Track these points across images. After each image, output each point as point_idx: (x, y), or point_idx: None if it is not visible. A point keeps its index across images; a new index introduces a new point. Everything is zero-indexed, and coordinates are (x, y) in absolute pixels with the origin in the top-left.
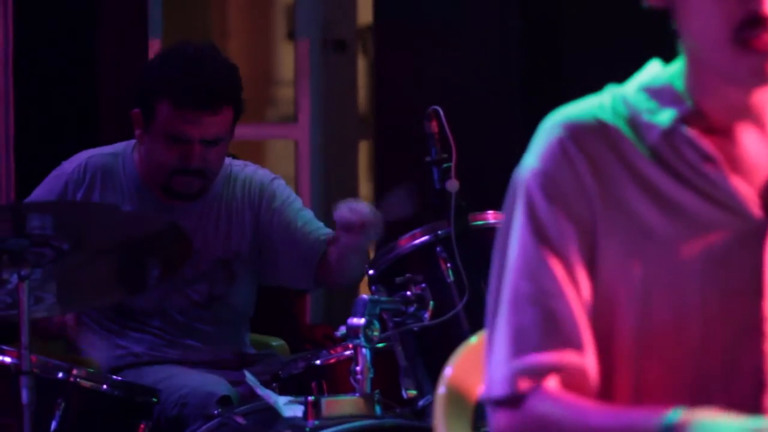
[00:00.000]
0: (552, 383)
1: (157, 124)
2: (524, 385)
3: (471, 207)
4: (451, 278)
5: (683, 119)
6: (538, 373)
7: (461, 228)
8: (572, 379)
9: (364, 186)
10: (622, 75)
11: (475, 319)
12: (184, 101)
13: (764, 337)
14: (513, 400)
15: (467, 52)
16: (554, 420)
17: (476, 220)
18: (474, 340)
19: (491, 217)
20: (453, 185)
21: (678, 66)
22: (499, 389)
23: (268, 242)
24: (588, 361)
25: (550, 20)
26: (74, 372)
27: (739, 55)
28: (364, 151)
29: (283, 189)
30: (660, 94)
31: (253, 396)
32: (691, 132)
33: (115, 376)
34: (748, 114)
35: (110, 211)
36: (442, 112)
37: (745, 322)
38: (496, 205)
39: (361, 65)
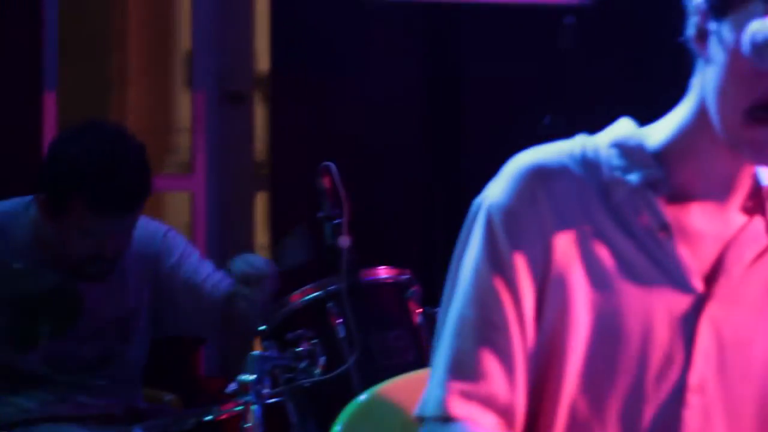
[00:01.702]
0: (480, 414)
1: (69, 219)
2: (454, 410)
3: (364, 262)
4: (342, 334)
5: (649, 183)
6: (468, 402)
7: (352, 284)
8: (501, 415)
9: (261, 238)
10: (522, 130)
11: (366, 375)
12: (102, 205)
13: (685, 406)
14: (443, 421)
15: (367, 103)
16: None
17: (368, 276)
18: (363, 397)
19: (383, 273)
20: (344, 241)
21: (655, 126)
22: (431, 409)
23: (168, 297)
24: (520, 399)
25: (452, 73)
26: None
27: (750, 128)
28: (261, 203)
29: (178, 241)
30: (631, 154)
31: None
32: (653, 197)
33: None
34: (719, 187)
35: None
36: (334, 168)
37: (670, 388)
38: (392, 261)
39: (261, 116)
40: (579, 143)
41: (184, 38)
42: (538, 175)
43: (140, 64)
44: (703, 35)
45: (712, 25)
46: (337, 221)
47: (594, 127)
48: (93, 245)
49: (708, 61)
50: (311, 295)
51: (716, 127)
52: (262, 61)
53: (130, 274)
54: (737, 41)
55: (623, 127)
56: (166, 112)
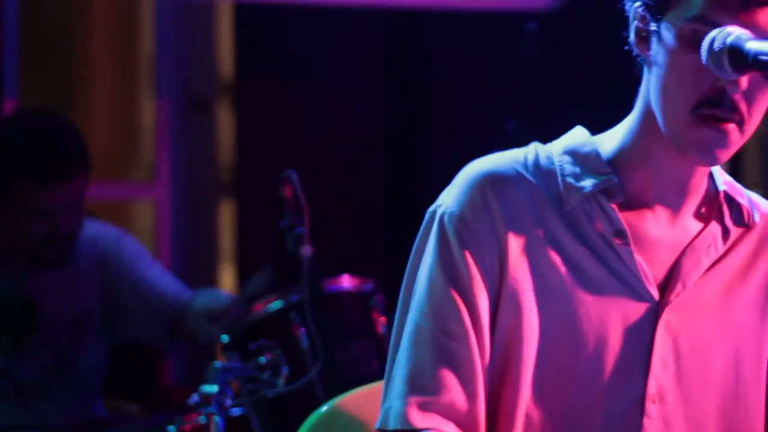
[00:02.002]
0: (441, 425)
1: (16, 203)
2: (416, 422)
3: (327, 272)
4: (305, 344)
5: (603, 190)
6: (429, 414)
7: (315, 293)
8: (462, 425)
9: (226, 245)
10: (484, 136)
11: (329, 386)
12: (45, 175)
13: (645, 415)
14: None
15: (330, 110)
16: None
17: (330, 286)
18: (325, 408)
19: (346, 282)
20: (306, 251)
21: (608, 134)
22: (393, 422)
23: (119, 301)
24: (479, 408)
25: (414, 80)
26: None
27: (693, 128)
28: (226, 210)
29: (131, 246)
30: (585, 161)
31: None
32: (607, 204)
33: None
34: (673, 192)
35: None
36: (295, 177)
37: (628, 397)
38: (354, 270)
39: (226, 122)
40: (532, 150)
41: (148, 45)
42: (491, 182)
43: (104, 72)
44: (644, 38)
45: (652, 27)
46: (298, 230)
47: (556, 133)
48: (46, 225)
49: (651, 63)
50: (274, 305)
51: (663, 130)
52: (226, 68)
53: (82, 277)
54: (677, 38)
55: (577, 135)
56: (131, 120)
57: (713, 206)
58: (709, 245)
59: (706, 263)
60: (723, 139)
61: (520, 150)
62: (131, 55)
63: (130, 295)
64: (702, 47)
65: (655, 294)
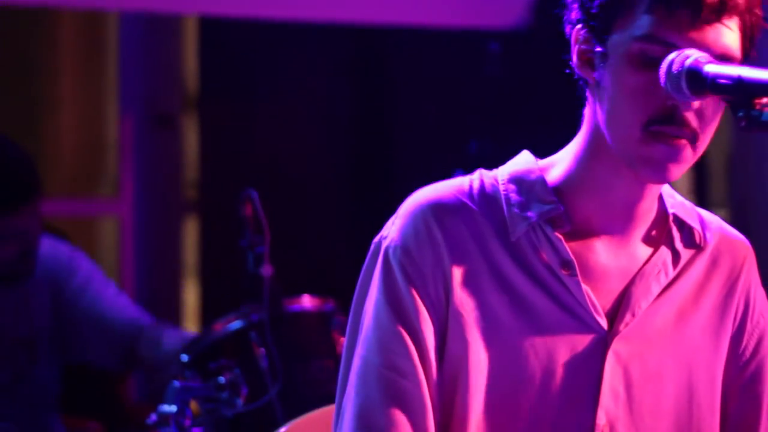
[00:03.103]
0: None
1: None
2: None
3: (287, 291)
4: (265, 364)
5: (549, 220)
6: None
7: (275, 313)
8: None
9: (190, 263)
10: (450, 158)
11: (289, 406)
12: (4, 203)
13: None
14: None
15: (295, 127)
16: None
17: (291, 306)
18: (284, 429)
19: (306, 302)
20: (266, 270)
21: (554, 160)
22: None
23: (72, 321)
24: None
25: (379, 97)
26: None
27: (645, 145)
28: (191, 227)
29: (83, 264)
30: (530, 189)
31: None
32: (554, 234)
33: None
34: (621, 218)
35: None
36: (256, 196)
37: (578, 429)
38: (315, 290)
39: (191, 138)
40: (477, 178)
41: (113, 61)
42: (435, 213)
43: (69, 88)
44: (588, 60)
45: (597, 48)
46: (258, 249)
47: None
48: (16, 245)
49: (599, 85)
50: (234, 325)
51: (613, 150)
52: (191, 84)
53: (35, 294)
54: (625, 59)
55: (523, 161)
56: (96, 135)
57: (663, 230)
58: (659, 271)
59: (656, 290)
60: (675, 155)
61: (466, 178)
62: (96, 71)
63: (83, 315)
64: (659, 67)
65: (604, 324)
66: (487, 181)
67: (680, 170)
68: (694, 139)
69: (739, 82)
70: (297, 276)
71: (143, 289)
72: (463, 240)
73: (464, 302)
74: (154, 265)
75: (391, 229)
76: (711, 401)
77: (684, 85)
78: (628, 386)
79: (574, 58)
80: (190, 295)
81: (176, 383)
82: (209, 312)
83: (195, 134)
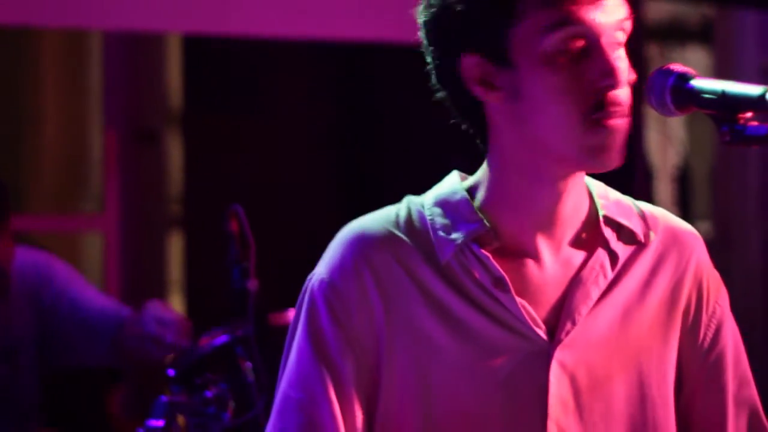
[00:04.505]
0: None
1: None
2: None
3: (272, 306)
4: (251, 379)
5: (476, 239)
6: None
7: (260, 328)
8: None
9: (175, 278)
10: (435, 172)
11: None
12: None
13: None
14: None
15: (280, 144)
16: None
17: (276, 320)
18: None
19: (291, 316)
20: (252, 285)
21: (477, 178)
22: None
23: (57, 324)
24: None
25: (363, 113)
26: None
27: (590, 133)
28: (175, 242)
29: (61, 268)
30: (455, 210)
31: None
32: (482, 252)
33: None
34: (548, 226)
35: None
36: (241, 211)
37: None
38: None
39: (175, 154)
40: (405, 206)
41: (96, 76)
42: (362, 245)
43: (53, 103)
44: (486, 83)
45: (502, 70)
46: (244, 264)
47: None
48: None
49: (511, 100)
50: (219, 340)
51: (556, 154)
52: (175, 99)
53: (13, 303)
54: (541, 60)
55: (448, 183)
56: (79, 151)
57: (596, 232)
58: (597, 274)
59: (596, 294)
60: (622, 134)
61: (393, 207)
62: (80, 87)
63: (68, 314)
64: (576, 57)
65: (544, 335)
66: (414, 208)
67: (625, 144)
68: (630, 111)
69: (723, 97)
70: (281, 290)
71: (128, 304)
72: (391, 270)
73: (397, 333)
74: (138, 281)
75: (320, 265)
76: (664, 396)
77: (668, 100)
78: (577, 394)
79: (471, 88)
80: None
81: (163, 398)
82: (194, 327)
83: (179, 150)
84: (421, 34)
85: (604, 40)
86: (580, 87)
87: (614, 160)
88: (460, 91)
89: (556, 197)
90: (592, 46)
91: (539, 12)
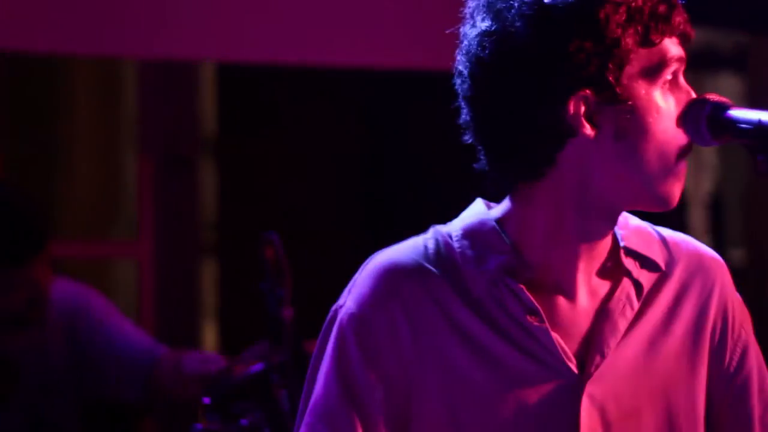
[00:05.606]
0: None
1: None
2: None
3: (309, 333)
4: (287, 407)
5: (508, 270)
6: None
7: (296, 356)
8: None
9: (209, 304)
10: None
11: None
12: (5, 263)
13: None
14: None
15: (313, 167)
16: None
17: (311, 348)
18: None
19: None
20: (287, 312)
21: (506, 209)
22: None
23: (91, 357)
24: None
25: (393, 144)
26: None
27: (672, 179)
28: (209, 268)
29: (98, 302)
30: (485, 242)
31: None
32: (515, 285)
33: None
34: (580, 259)
35: None
36: (277, 238)
37: None
38: None
39: (209, 180)
40: (432, 237)
41: (130, 102)
42: (391, 278)
43: (87, 129)
44: (589, 116)
45: (606, 100)
46: (279, 292)
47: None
48: (25, 293)
49: (616, 137)
50: (254, 368)
51: (647, 183)
52: (209, 125)
53: (50, 334)
54: (656, 85)
55: (475, 212)
56: (113, 177)
57: (619, 261)
58: (624, 305)
59: (624, 325)
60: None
61: (420, 238)
62: (114, 113)
63: (103, 348)
64: (681, 114)
65: (575, 369)
66: (441, 239)
67: None
68: None
69: (759, 127)
70: (317, 318)
71: (162, 331)
72: (420, 303)
73: (427, 366)
74: (173, 308)
75: (348, 296)
76: (693, 425)
77: (704, 129)
78: (607, 427)
79: (571, 123)
80: (209, 337)
81: (198, 426)
82: (228, 354)
83: (213, 176)
84: (493, 78)
85: (681, 80)
86: (676, 131)
87: (675, 202)
88: (547, 127)
89: (604, 232)
90: (676, 84)
91: (640, 50)
